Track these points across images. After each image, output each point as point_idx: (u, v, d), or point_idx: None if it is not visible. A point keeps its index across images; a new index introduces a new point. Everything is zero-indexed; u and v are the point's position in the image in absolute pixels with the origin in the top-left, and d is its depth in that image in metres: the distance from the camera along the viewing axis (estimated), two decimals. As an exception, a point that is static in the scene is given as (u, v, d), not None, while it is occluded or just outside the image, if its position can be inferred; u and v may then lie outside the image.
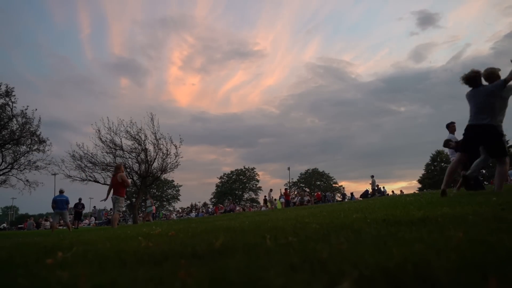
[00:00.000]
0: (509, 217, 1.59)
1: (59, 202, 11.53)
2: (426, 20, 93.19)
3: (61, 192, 12.00)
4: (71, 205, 15.51)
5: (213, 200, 56.46)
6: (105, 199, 8.76)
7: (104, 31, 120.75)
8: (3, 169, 19.04)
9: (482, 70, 4.20)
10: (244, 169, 61.65)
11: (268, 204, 24.58)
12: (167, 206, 56.23)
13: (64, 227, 14.68)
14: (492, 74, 4.00)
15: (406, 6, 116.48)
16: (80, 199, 18.84)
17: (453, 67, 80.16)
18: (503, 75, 3.93)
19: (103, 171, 19.41)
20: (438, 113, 74.34)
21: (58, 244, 2.43)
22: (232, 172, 61.31)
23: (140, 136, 19.57)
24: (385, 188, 27.74)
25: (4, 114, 18.54)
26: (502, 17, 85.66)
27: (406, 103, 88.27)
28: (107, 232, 4.52)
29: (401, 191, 28.71)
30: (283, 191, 24.02)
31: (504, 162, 3.98)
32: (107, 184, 19.70)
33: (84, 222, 27.89)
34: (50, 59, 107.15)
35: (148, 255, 1.35)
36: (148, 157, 19.67)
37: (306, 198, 26.77)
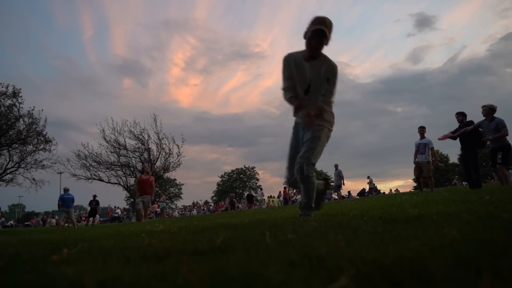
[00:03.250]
0: (502, 215, 1.59)
1: (67, 200, 11.68)
2: (423, 22, 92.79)
3: (66, 190, 12.11)
4: (86, 202, 15.54)
5: (214, 198, 56.56)
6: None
7: (107, 33, 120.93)
8: (11, 168, 19.25)
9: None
10: (244, 168, 61.75)
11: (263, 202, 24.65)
12: (169, 204, 56.40)
13: (70, 225, 14.78)
14: None
15: (403, 8, 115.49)
16: (94, 196, 17.56)
17: (450, 68, 79.76)
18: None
19: (107, 170, 19.58)
20: (434, 114, 74.17)
21: (63, 241, 2.46)
22: (232, 171, 61.47)
23: (143, 136, 19.72)
24: (376, 186, 27.36)
25: (12, 115, 18.71)
26: (498, 19, 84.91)
27: (403, 104, 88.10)
28: (111, 229, 4.56)
29: (397, 189, 28.67)
30: (283, 190, 24.06)
31: None
32: (111, 183, 19.96)
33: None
34: (55, 60, 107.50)
35: (151, 251, 1.37)
36: (151, 156, 19.79)
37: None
